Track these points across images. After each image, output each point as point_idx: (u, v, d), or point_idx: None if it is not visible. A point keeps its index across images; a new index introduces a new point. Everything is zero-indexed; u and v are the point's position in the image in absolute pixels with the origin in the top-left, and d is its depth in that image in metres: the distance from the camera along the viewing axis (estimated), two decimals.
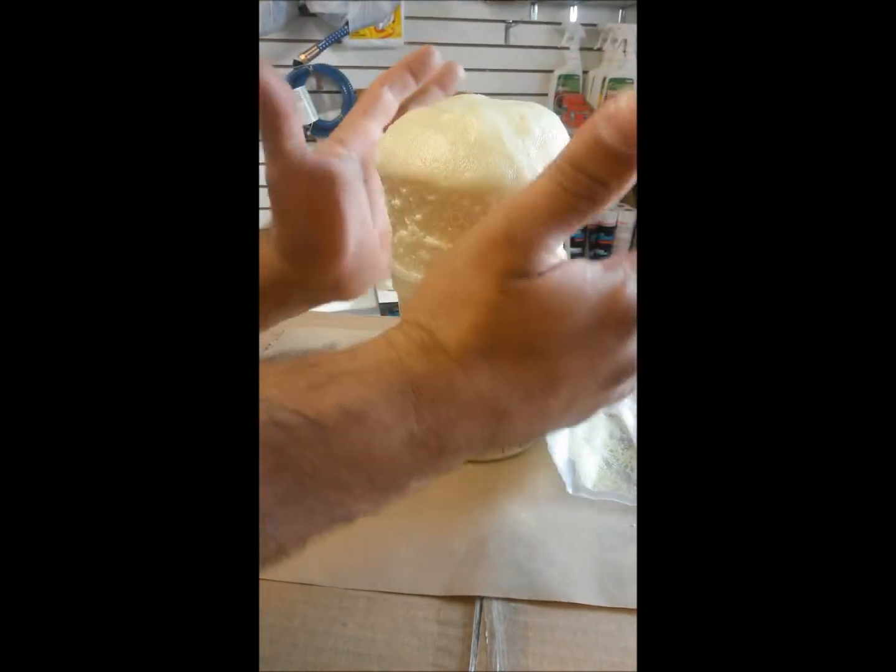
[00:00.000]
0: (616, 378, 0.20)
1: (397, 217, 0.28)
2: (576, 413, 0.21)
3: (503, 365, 0.18)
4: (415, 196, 0.26)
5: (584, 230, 1.54)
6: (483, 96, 0.28)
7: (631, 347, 0.20)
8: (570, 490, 0.31)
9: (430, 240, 0.27)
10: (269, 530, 0.16)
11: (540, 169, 0.25)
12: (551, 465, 0.33)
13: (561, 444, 0.32)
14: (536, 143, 0.26)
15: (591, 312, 0.18)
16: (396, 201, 0.27)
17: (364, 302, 1.51)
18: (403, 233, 0.28)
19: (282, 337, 0.49)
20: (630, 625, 0.24)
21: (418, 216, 0.27)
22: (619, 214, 1.56)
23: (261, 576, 0.26)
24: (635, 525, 0.30)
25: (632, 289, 0.19)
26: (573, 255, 1.54)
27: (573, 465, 0.32)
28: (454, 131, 0.25)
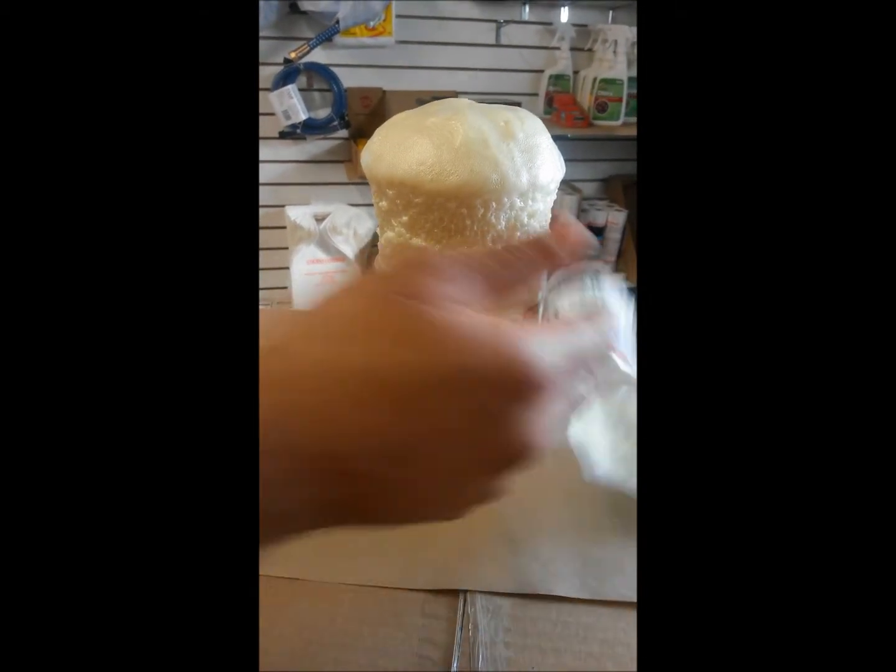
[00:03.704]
0: (502, 459, 0.17)
1: (384, 219, 0.29)
2: (445, 492, 0.17)
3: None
4: (401, 198, 0.27)
5: None
6: (468, 100, 0.29)
7: (524, 427, 0.16)
8: (585, 478, 0.30)
9: (417, 241, 0.27)
10: None
11: (524, 172, 0.26)
12: (536, 464, 0.34)
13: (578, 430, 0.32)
14: (520, 146, 0.26)
15: (474, 360, 0.16)
16: (383, 203, 0.28)
17: None
18: (390, 234, 0.28)
19: None
20: (609, 616, 0.25)
21: (405, 218, 0.27)
22: (608, 215, 1.57)
23: None
24: (616, 520, 0.30)
25: (534, 351, 0.16)
26: None
27: (587, 451, 0.32)
28: (439, 135, 0.26)
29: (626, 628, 0.25)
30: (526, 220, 0.27)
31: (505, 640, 0.24)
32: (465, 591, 0.26)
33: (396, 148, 0.26)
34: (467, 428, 0.16)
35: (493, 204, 0.26)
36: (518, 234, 0.27)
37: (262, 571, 0.26)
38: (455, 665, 0.23)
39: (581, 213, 1.55)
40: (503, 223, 0.27)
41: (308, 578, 0.27)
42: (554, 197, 0.29)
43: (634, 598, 0.26)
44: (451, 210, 0.26)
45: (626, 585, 0.26)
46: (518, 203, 0.27)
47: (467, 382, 0.16)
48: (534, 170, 0.26)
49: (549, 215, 0.30)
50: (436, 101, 0.28)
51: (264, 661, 0.23)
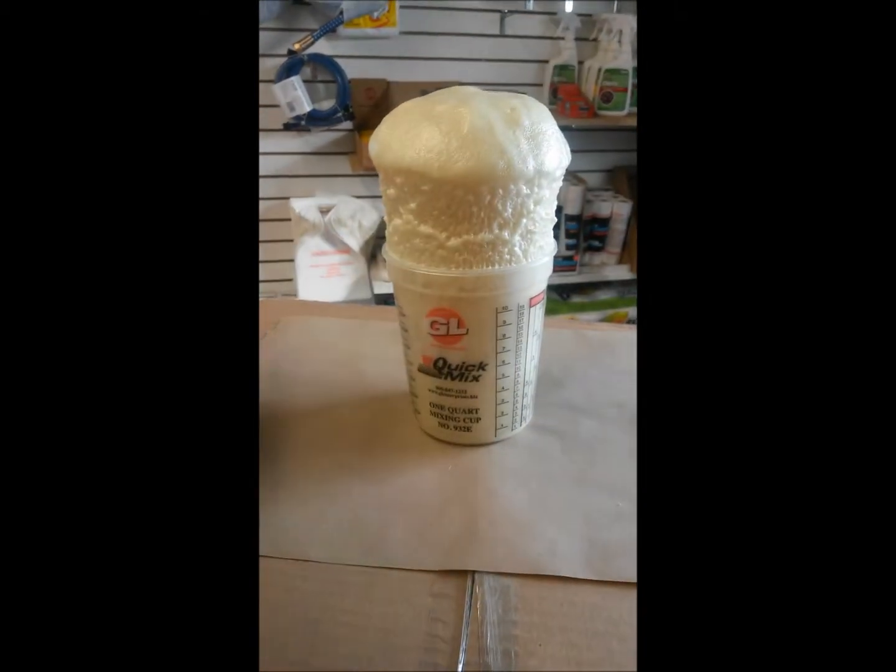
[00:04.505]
0: None
1: (392, 206, 0.29)
2: None
3: None
4: (409, 186, 0.27)
5: (579, 221, 1.55)
6: (475, 88, 0.29)
7: None
8: None
9: (424, 228, 0.28)
10: None
11: (530, 159, 0.26)
12: (541, 447, 0.35)
13: None
14: (526, 133, 0.27)
15: None
16: (391, 191, 0.28)
17: (360, 292, 1.51)
18: (398, 221, 0.29)
19: (278, 326, 0.50)
20: (613, 596, 0.26)
21: (412, 205, 0.27)
22: (613, 205, 1.57)
23: (261, 553, 0.27)
24: (621, 504, 0.31)
25: None
26: (568, 247, 1.55)
27: None
28: (447, 123, 0.26)
29: (631, 608, 0.25)
30: (532, 206, 0.28)
31: (513, 618, 0.25)
32: (473, 572, 0.27)
33: (404, 136, 0.27)
34: None
35: (500, 191, 0.26)
36: (524, 220, 0.28)
37: (271, 553, 0.27)
38: (464, 643, 0.24)
39: (586, 203, 1.55)
40: (509, 210, 0.27)
41: (319, 560, 0.27)
42: (560, 184, 0.29)
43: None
44: (458, 197, 0.26)
45: (631, 567, 0.27)
46: (524, 190, 0.27)
47: None
48: (540, 157, 0.27)
49: (555, 203, 0.30)
50: (443, 90, 0.29)
51: (273, 640, 0.24)
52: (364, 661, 0.23)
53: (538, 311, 0.32)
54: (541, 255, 0.30)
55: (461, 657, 0.23)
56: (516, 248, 0.28)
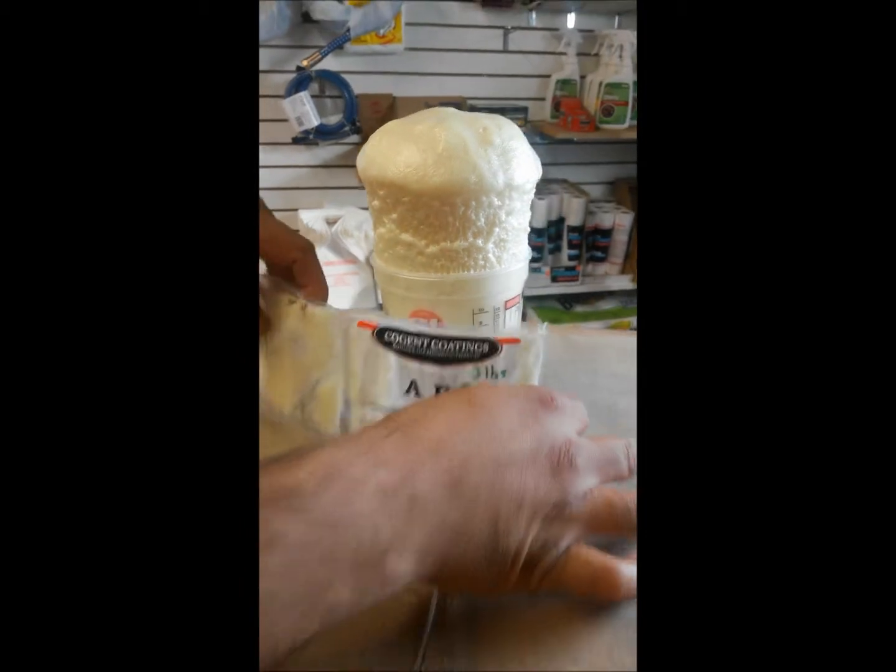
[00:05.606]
0: (548, 510, 0.22)
1: (377, 216, 0.32)
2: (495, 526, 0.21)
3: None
4: (391, 197, 0.30)
5: (581, 232, 1.57)
6: (453, 109, 0.31)
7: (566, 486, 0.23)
8: None
9: (405, 236, 0.30)
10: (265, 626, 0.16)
11: (500, 174, 0.29)
12: None
13: None
14: (497, 151, 0.29)
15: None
16: (376, 202, 0.31)
17: (365, 302, 1.54)
18: (382, 230, 0.31)
19: None
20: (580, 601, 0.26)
21: (394, 215, 0.30)
22: (615, 217, 1.59)
23: None
24: None
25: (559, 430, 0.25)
26: (570, 258, 1.57)
27: None
28: (424, 141, 0.29)
29: (608, 609, 0.26)
30: (504, 217, 0.30)
31: (478, 619, 0.26)
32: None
33: (386, 152, 0.29)
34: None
35: (473, 202, 0.29)
36: (497, 229, 0.30)
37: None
38: (424, 643, 0.25)
39: (588, 215, 1.57)
40: (482, 220, 0.30)
41: None
42: (531, 196, 0.32)
43: None
44: (435, 208, 0.29)
45: None
46: (496, 202, 0.29)
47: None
48: (510, 171, 0.29)
49: (528, 213, 0.33)
50: (424, 111, 0.31)
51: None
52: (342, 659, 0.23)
53: (514, 314, 0.34)
54: (514, 261, 0.32)
55: (421, 655, 0.23)
56: (490, 255, 0.31)
